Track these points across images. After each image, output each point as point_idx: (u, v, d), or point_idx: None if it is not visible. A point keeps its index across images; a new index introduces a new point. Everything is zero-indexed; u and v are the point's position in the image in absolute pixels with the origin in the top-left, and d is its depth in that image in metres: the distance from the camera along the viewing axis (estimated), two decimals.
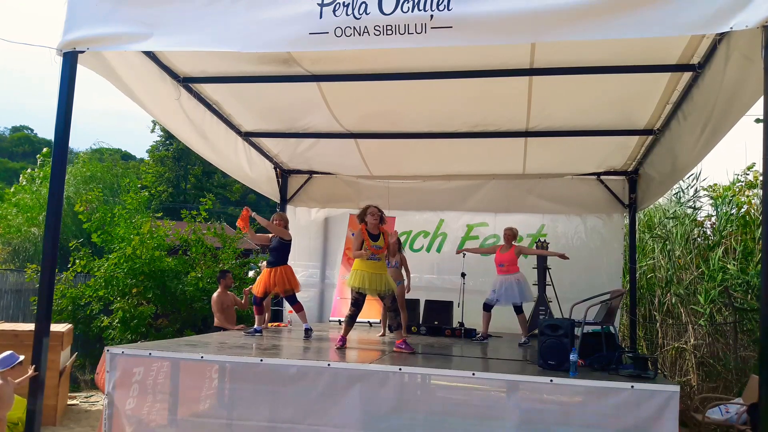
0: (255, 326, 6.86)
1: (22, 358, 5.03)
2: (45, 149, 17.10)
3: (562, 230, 9.32)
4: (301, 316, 6.88)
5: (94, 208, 11.80)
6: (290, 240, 6.99)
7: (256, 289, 6.86)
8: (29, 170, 17.08)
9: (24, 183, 16.61)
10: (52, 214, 4.58)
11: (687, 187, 10.54)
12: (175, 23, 4.49)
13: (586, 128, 7.35)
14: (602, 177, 9.07)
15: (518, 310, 7.08)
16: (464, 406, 4.34)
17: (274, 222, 6.95)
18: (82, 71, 4.74)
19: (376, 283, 5.75)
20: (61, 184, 4.65)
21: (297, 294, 6.96)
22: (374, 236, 5.87)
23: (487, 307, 7.08)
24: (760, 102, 3.76)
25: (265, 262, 8.55)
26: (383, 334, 7.49)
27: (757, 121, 7.40)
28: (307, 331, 6.60)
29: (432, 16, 3.95)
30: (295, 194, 9.93)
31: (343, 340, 5.77)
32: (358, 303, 5.86)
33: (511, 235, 7.21)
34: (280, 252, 6.92)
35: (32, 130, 59.49)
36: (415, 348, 5.89)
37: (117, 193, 17.46)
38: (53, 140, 4.67)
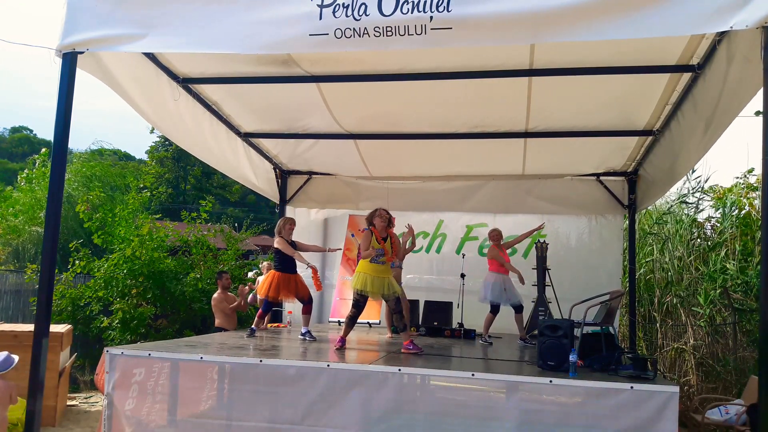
0: (253, 327, 6.87)
1: (17, 359, 5.02)
2: (43, 149, 17.09)
3: (561, 231, 9.32)
4: (307, 320, 6.82)
5: (95, 208, 11.81)
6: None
7: (273, 293, 6.68)
8: (26, 171, 17.07)
9: (23, 184, 16.61)
10: (52, 214, 4.58)
11: (691, 189, 10.56)
12: (175, 24, 4.48)
13: (585, 129, 7.35)
14: (602, 178, 9.07)
15: (519, 309, 7.10)
16: (464, 406, 4.34)
17: (287, 227, 6.89)
18: (82, 72, 4.74)
19: (378, 287, 5.73)
20: (61, 184, 4.65)
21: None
22: (384, 239, 5.86)
23: (496, 309, 7.06)
24: (760, 103, 3.76)
25: (266, 263, 8.56)
26: (390, 336, 7.49)
27: (757, 113, 7.39)
28: (310, 334, 6.58)
29: (432, 17, 3.95)
30: (295, 195, 9.93)
31: (343, 340, 5.76)
32: (359, 305, 5.83)
33: (501, 235, 7.31)
34: (293, 259, 6.87)
35: (32, 131, 59.51)
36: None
37: (117, 193, 17.46)
38: (53, 141, 4.66)
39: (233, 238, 11.94)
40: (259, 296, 7.78)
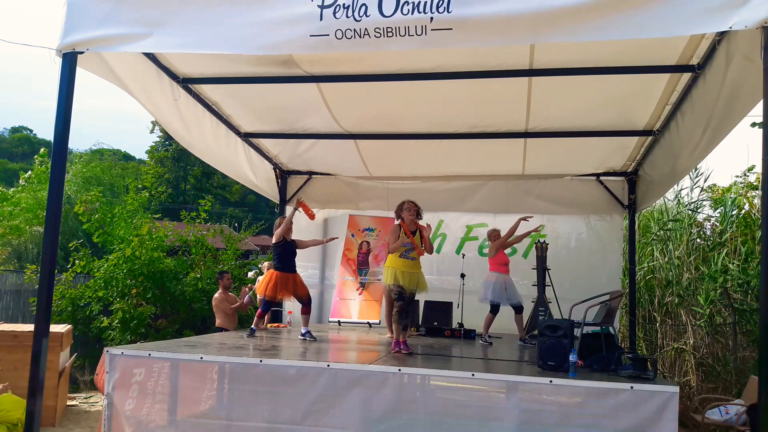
0: (253, 327, 6.84)
1: None
2: (42, 150, 17.10)
3: (561, 231, 9.33)
4: (307, 320, 6.77)
5: (94, 208, 11.82)
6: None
7: (270, 293, 6.64)
8: (28, 173, 17.10)
9: (23, 184, 16.64)
10: (52, 214, 4.58)
11: (691, 188, 10.58)
12: (175, 24, 4.48)
13: (585, 129, 7.36)
14: (602, 178, 9.08)
15: (520, 309, 7.10)
16: (464, 406, 4.34)
17: (287, 228, 6.83)
18: (82, 72, 4.74)
19: (408, 282, 5.51)
20: (61, 184, 4.64)
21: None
22: (412, 233, 5.68)
23: (496, 309, 7.05)
24: (760, 103, 3.76)
25: (266, 263, 8.57)
26: (390, 336, 7.49)
27: (753, 125, 7.43)
28: (310, 334, 6.57)
29: (432, 18, 3.95)
30: (295, 195, 9.93)
31: (398, 343, 5.37)
32: (402, 297, 5.50)
33: (500, 235, 7.29)
34: (293, 257, 6.85)
35: (32, 131, 59.58)
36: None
37: (116, 194, 17.49)
38: (53, 141, 4.66)
39: (232, 238, 11.95)
40: (258, 296, 7.81)
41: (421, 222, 5.97)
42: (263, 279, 7.04)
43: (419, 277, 5.64)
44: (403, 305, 5.52)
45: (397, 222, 5.80)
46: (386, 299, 7.51)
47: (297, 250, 6.96)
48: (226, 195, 38.23)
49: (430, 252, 5.92)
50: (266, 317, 8.15)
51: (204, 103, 6.95)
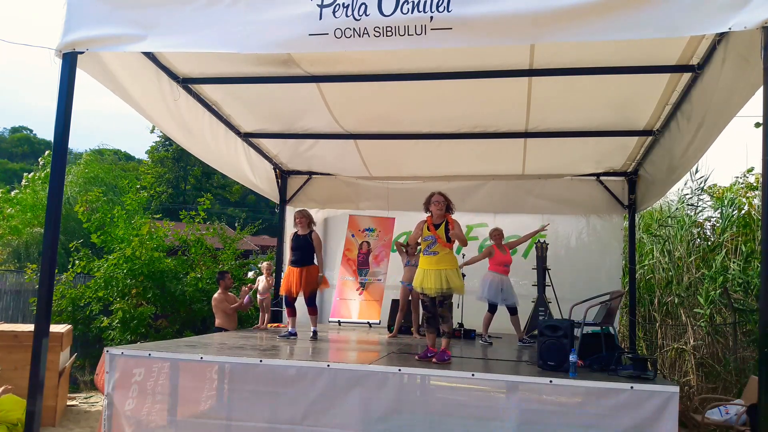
0: (290, 329, 6.68)
1: None
2: (48, 152, 17.10)
3: (561, 231, 9.32)
4: (312, 320, 6.73)
5: (94, 209, 11.82)
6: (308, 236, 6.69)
7: (285, 289, 6.58)
8: (31, 174, 17.07)
9: (26, 184, 16.63)
10: (52, 214, 4.58)
11: (691, 188, 10.57)
12: (175, 24, 4.49)
13: (585, 129, 7.36)
14: (602, 178, 9.08)
15: (514, 311, 7.10)
16: (464, 406, 4.34)
17: (296, 220, 6.73)
18: (82, 72, 4.74)
19: (431, 282, 5.11)
20: (61, 184, 4.65)
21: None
22: (436, 226, 5.25)
23: (493, 308, 7.05)
24: (760, 104, 3.76)
25: (265, 263, 8.57)
26: (394, 335, 7.49)
27: (757, 125, 7.42)
28: (314, 334, 6.55)
29: (432, 17, 3.95)
30: (295, 195, 9.93)
31: (428, 351, 5.15)
32: (425, 306, 5.32)
33: (502, 235, 7.27)
34: (306, 250, 6.66)
35: (32, 131, 59.56)
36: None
37: (119, 194, 17.49)
38: (53, 141, 4.67)
39: (230, 238, 11.94)
40: (258, 296, 7.85)
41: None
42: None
43: (448, 275, 5.14)
44: (428, 316, 5.32)
45: (426, 215, 5.43)
46: (412, 301, 7.59)
47: (309, 241, 6.67)
48: (226, 195, 38.23)
49: (461, 242, 5.38)
50: (266, 317, 8.19)
51: (204, 103, 6.96)
